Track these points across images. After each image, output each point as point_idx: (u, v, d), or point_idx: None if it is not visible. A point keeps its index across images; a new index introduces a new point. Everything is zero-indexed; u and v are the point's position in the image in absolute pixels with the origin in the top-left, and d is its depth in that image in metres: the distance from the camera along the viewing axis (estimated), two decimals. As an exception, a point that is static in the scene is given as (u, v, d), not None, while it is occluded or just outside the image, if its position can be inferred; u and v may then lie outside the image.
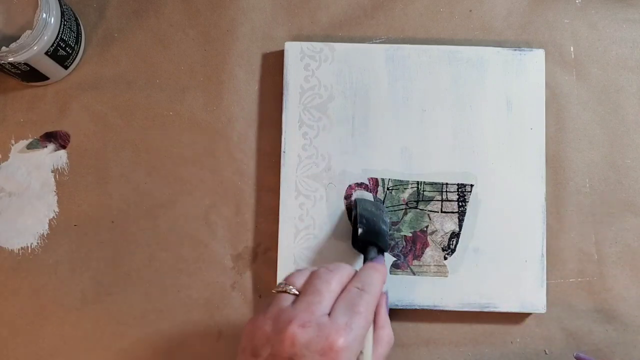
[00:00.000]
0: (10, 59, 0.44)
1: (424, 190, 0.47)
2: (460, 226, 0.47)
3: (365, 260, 0.42)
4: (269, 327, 0.33)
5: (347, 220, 0.47)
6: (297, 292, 0.35)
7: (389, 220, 0.46)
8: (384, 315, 0.37)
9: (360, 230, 0.42)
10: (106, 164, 0.49)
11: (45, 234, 0.49)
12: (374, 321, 0.36)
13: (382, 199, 0.47)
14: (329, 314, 0.33)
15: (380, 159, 0.47)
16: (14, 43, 0.43)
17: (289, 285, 0.35)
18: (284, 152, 0.47)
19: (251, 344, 0.33)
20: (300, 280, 0.36)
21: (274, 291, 0.36)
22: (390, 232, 0.46)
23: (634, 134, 0.49)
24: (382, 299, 0.37)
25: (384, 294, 0.38)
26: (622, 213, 0.48)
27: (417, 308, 0.46)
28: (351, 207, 0.47)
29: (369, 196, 0.47)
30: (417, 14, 0.51)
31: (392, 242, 0.47)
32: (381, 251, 0.43)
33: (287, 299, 0.35)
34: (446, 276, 0.46)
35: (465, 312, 0.47)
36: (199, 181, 0.49)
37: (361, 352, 0.34)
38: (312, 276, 0.36)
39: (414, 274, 0.46)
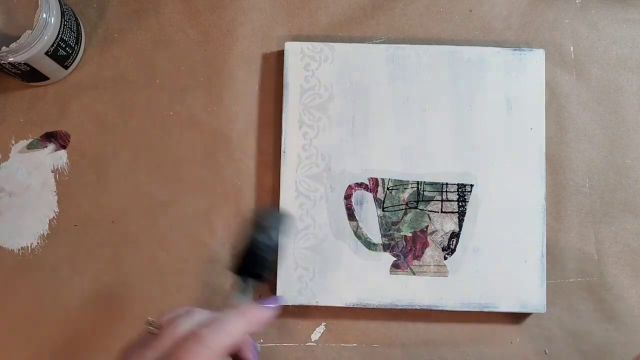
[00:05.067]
0: (11, 59, 0.44)
1: (424, 190, 0.47)
2: (460, 226, 0.47)
3: (241, 290, 0.36)
4: None
5: (347, 220, 0.47)
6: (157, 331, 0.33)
7: (279, 236, 0.37)
8: None
9: (248, 262, 0.36)
10: (106, 164, 0.49)
11: (45, 234, 0.49)
12: None
13: (383, 199, 0.47)
14: None
15: (380, 159, 0.47)
16: (14, 43, 0.43)
17: (154, 325, 0.33)
18: (284, 152, 0.47)
19: None
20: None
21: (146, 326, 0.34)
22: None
23: (634, 134, 0.49)
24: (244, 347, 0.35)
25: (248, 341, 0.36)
26: (622, 213, 0.48)
27: (417, 308, 0.46)
28: (351, 208, 0.47)
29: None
30: (417, 14, 0.50)
31: (392, 242, 0.46)
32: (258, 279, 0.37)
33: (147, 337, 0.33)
34: (446, 276, 0.46)
35: (465, 312, 0.47)
36: (199, 181, 0.49)
37: None
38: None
39: (414, 273, 0.46)
